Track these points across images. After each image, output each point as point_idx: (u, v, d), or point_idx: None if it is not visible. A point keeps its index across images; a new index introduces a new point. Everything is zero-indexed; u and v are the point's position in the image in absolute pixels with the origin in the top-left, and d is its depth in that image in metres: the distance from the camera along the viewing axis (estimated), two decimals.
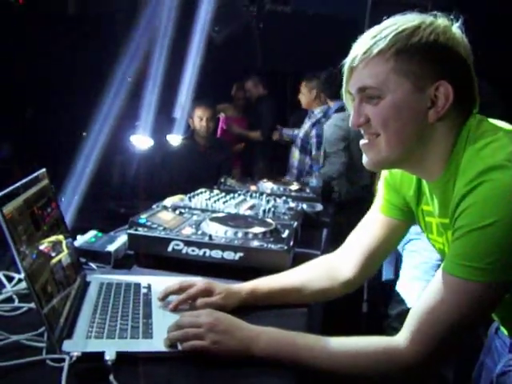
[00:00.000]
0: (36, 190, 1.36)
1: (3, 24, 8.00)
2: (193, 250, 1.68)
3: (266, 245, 1.68)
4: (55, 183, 1.56)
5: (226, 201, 2.31)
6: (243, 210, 2.19)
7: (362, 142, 1.23)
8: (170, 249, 1.69)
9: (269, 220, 1.94)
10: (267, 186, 2.90)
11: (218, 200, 2.29)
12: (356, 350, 1.15)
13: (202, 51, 5.74)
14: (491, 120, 1.20)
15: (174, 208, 2.02)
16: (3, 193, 1.13)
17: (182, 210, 2.02)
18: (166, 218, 1.89)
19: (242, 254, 1.66)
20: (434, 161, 1.19)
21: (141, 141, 3.80)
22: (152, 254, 1.73)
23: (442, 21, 1.16)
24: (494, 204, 1.03)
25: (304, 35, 6.78)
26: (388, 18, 1.20)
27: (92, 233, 1.86)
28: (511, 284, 1.08)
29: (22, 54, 6.70)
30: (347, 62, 1.21)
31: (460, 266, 1.07)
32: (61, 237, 1.48)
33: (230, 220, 1.86)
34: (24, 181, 1.30)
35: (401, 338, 1.14)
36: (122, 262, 1.75)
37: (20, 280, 1.50)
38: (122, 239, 1.80)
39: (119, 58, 5.42)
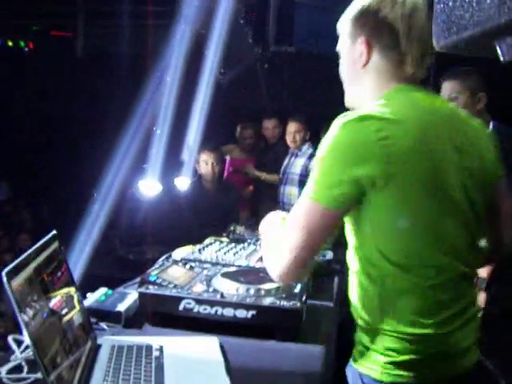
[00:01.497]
0: (46, 255, 1.35)
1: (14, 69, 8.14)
2: (204, 309, 1.66)
3: (278, 302, 1.65)
4: (63, 229, 1.55)
5: (237, 252, 2.29)
6: (254, 262, 2.17)
7: None
8: (181, 307, 1.67)
9: None
10: None
11: (228, 251, 2.27)
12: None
13: (209, 94, 5.80)
14: (415, 93, 1.42)
15: (185, 263, 2.00)
16: (14, 264, 1.12)
17: (193, 264, 2.00)
18: (177, 273, 1.88)
19: (254, 312, 1.63)
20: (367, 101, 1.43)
21: (149, 187, 3.80)
22: (163, 313, 1.70)
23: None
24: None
25: (308, 75, 6.84)
26: None
27: (102, 290, 1.84)
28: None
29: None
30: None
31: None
32: (71, 299, 1.47)
33: (241, 275, 1.84)
34: (35, 247, 1.29)
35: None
36: (132, 320, 1.72)
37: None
38: (132, 297, 1.78)
39: (128, 101, 5.50)
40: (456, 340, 1.35)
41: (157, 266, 2.00)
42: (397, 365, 1.32)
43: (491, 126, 2.82)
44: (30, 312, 1.16)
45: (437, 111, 1.42)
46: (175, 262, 2.00)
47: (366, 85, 1.46)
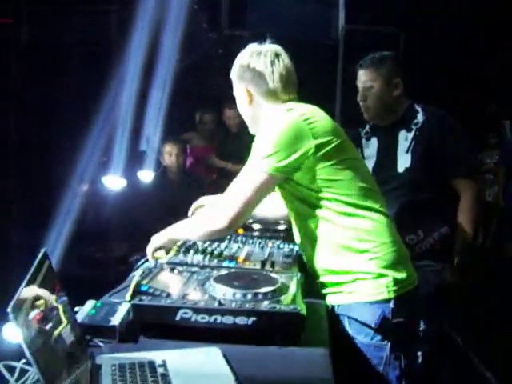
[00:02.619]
0: (41, 279, 1.28)
1: None
2: (202, 318, 1.61)
3: (278, 306, 1.61)
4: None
5: (221, 252, 2.23)
6: (241, 262, 2.12)
7: None
8: (178, 317, 1.61)
9: (273, 275, 1.88)
10: (254, 226, 2.84)
11: (213, 252, 2.22)
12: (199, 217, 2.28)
13: (167, 82, 5.67)
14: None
15: (172, 268, 1.94)
16: (16, 299, 1.04)
17: (180, 269, 1.95)
18: (167, 280, 1.82)
19: (254, 319, 1.59)
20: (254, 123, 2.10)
21: (113, 182, 3.69)
22: (159, 324, 1.64)
23: (250, 50, 2.05)
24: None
25: None
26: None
27: (90, 303, 1.76)
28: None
29: None
30: None
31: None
32: (65, 316, 1.39)
33: (234, 279, 1.79)
34: (30, 273, 1.22)
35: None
36: (127, 334, 1.65)
37: (23, 370, 1.40)
38: (124, 308, 1.71)
39: (87, 92, 5.31)
40: None
41: (140, 270, 1.93)
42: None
43: (419, 111, 2.81)
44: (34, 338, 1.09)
45: None
46: (162, 268, 1.93)
47: (255, 114, 2.05)
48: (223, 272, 1.92)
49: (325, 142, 1.87)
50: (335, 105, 3.99)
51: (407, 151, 2.74)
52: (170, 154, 4.19)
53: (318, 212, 1.92)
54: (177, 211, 3.88)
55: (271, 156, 1.84)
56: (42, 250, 1.38)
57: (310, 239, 1.97)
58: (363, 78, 2.83)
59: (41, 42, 7.61)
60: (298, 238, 2.09)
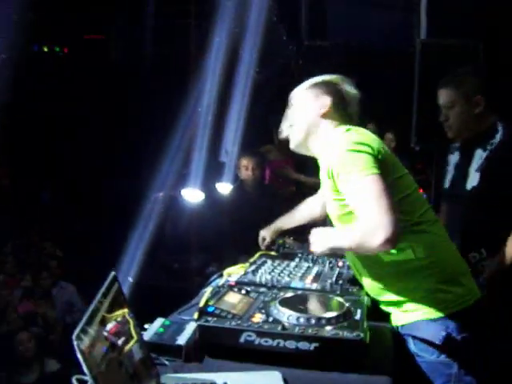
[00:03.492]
0: (109, 302, 1.34)
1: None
2: (266, 341, 1.63)
3: (341, 333, 1.61)
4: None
5: (290, 272, 2.25)
6: (309, 282, 2.13)
7: None
8: (242, 340, 1.64)
9: (340, 299, 1.87)
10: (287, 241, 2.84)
11: (283, 271, 2.24)
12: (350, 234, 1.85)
13: (245, 93, 5.75)
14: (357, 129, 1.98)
15: (240, 288, 1.97)
16: (80, 327, 1.10)
17: (248, 289, 1.98)
18: (234, 301, 1.85)
19: (316, 345, 1.59)
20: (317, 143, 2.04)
21: (192, 195, 3.79)
22: (224, 345, 1.68)
23: (336, 76, 2.10)
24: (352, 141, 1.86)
25: (344, 68, 6.74)
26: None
27: (159, 321, 1.83)
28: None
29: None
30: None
31: None
32: (132, 335, 1.45)
33: (300, 303, 1.81)
34: (98, 297, 1.28)
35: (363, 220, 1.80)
36: (192, 353, 1.70)
37: None
38: (190, 328, 1.76)
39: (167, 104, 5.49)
40: None
41: (210, 288, 1.98)
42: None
43: (499, 130, 2.71)
44: (97, 357, 1.15)
45: None
46: (230, 288, 1.97)
47: (318, 129, 2.03)
48: (289, 294, 1.94)
49: (382, 157, 1.85)
50: (412, 115, 3.91)
51: (477, 170, 2.70)
52: (247, 168, 4.25)
53: None
54: (254, 225, 3.95)
55: (363, 164, 1.79)
56: (112, 273, 1.45)
57: (369, 260, 1.94)
58: (444, 97, 2.79)
59: (127, 57, 7.94)
60: (352, 259, 2.04)
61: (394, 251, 1.81)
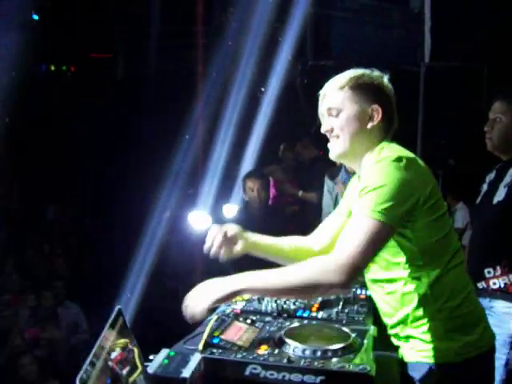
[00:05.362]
0: (113, 338, 1.34)
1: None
2: (271, 374, 1.61)
3: (347, 366, 1.60)
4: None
5: (296, 300, 2.23)
6: (315, 310, 2.11)
7: (329, 143, 1.96)
8: (247, 373, 1.63)
9: (345, 330, 1.85)
10: None
11: (288, 299, 2.22)
12: (299, 266, 1.76)
13: (250, 113, 5.77)
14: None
15: (245, 317, 1.96)
16: (85, 368, 1.10)
17: (254, 318, 1.97)
18: (239, 331, 1.84)
19: (323, 378, 1.58)
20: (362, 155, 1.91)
21: (199, 219, 3.78)
22: (229, 378, 1.66)
23: (377, 73, 1.93)
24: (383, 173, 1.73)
25: None
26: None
27: (164, 352, 1.81)
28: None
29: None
30: (321, 91, 1.97)
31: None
32: (138, 369, 1.45)
33: (305, 333, 1.79)
34: (103, 334, 1.28)
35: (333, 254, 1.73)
36: None
37: None
38: (196, 359, 1.75)
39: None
40: None
41: (215, 316, 1.97)
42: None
43: None
44: None
45: None
46: (235, 317, 1.96)
47: (363, 139, 1.89)
48: (295, 324, 1.92)
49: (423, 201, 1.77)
50: (417, 138, 3.91)
51: (505, 186, 2.72)
52: (252, 189, 4.25)
53: (405, 268, 1.84)
54: None
55: (386, 203, 1.69)
56: (117, 308, 1.45)
57: (387, 293, 1.91)
58: (495, 109, 2.83)
59: (135, 76, 7.99)
60: (373, 287, 2.01)
61: (418, 289, 1.81)
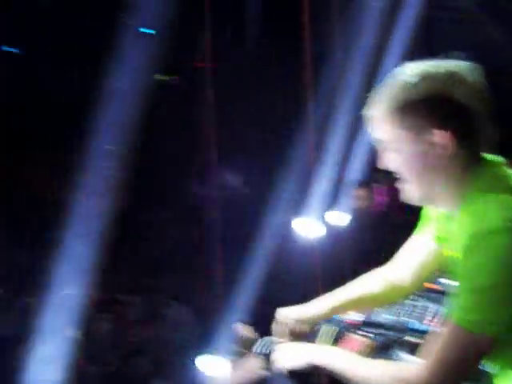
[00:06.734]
0: None
1: None
2: None
3: None
4: None
5: (413, 310, 2.15)
6: (427, 321, 2.05)
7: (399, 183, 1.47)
8: None
9: None
10: None
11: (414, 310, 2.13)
12: (383, 365, 1.52)
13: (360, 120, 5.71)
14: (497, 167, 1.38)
15: (360, 329, 1.96)
16: None
17: (369, 330, 1.96)
18: (355, 343, 1.86)
19: None
20: (447, 197, 1.40)
21: (307, 227, 3.74)
22: None
23: (445, 69, 1.31)
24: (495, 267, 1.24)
25: None
26: None
27: None
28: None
29: None
30: (369, 110, 1.40)
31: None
32: None
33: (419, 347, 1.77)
34: None
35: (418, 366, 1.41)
36: None
37: None
38: None
39: None
40: None
41: (325, 328, 1.96)
42: None
43: None
44: None
45: None
46: (351, 329, 1.96)
47: (444, 177, 1.38)
48: (409, 338, 1.91)
49: None
50: None
51: None
52: (359, 198, 4.28)
53: None
54: (372, 255, 3.86)
55: (493, 310, 1.28)
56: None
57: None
58: None
59: None
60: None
61: None
